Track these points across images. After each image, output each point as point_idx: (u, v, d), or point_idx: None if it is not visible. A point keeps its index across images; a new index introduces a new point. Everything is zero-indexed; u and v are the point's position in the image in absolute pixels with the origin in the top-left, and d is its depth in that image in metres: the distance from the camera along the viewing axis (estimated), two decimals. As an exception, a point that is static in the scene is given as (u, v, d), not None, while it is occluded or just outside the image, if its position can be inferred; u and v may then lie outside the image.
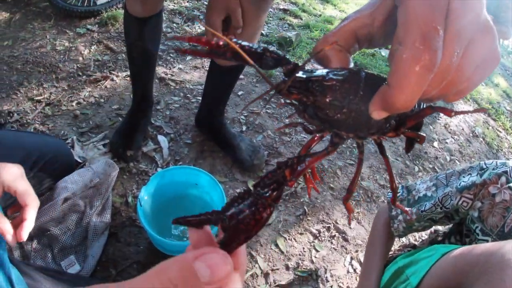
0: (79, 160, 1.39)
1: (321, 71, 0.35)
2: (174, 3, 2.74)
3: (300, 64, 0.37)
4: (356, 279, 1.33)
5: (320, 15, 3.43)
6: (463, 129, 2.71)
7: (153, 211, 1.18)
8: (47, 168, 1.12)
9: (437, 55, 0.27)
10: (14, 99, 1.70)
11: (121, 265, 1.12)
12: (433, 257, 0.95)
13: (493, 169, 0.94)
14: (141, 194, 1.09)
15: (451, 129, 2.60)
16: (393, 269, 1.10)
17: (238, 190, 1.48)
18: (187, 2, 2.79)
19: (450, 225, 1.11)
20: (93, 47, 2.11)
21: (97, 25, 2.29)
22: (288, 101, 0.38)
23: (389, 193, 1.16)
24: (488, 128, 3.08)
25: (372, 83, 0.33)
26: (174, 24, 2.51)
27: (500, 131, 3.15)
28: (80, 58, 2.00)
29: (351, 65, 0.37)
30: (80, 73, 1.90)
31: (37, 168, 1.07)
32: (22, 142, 1.07)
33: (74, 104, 1.70)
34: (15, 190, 0.76)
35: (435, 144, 2.28)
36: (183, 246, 1.07)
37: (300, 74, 0.36)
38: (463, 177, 0.99)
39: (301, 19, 3.26)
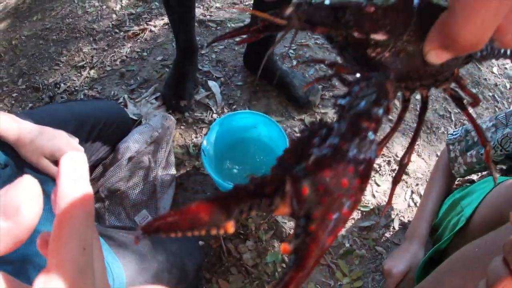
0: (134, 118, 1.38)
1: None
2: None
3: None
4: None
5: None
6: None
7: (216, 158, 1.16)
8: (105, 133, 1.12)
9: None
10: (57, 70, 1.71)
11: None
12: (486, 188, 0.92)
13: None
14: (204, 144, 1.07)
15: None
16: (449, 202, 1.08)
17: (295, 129, 1.42)
18: None
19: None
20: (124, 1, 2.04)
21: None
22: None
23: (449, 135, 1.08)
24: None
25: (430, 12, 0.24)
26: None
27: None
28: (114, 15, 1.95)
29: None
30: (117, 30, 1.86)
31: (95, 133, 1.07)
32: (74, 112, 1.07)
33: (118, 62, 1.68)
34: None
35: (494, 69, 2.05)
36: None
37: None
38: None
39: None
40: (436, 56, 0.24)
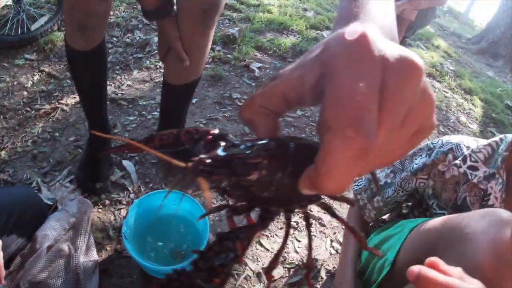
0: (49, 203, 1.38)
1: (244, 145, 0.33)
2: (110, 16, 2.68)
3: (216, 132, 0.37)
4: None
5: (259, 5, 3.46)
6: None
7: (138, 238, 1.21)
8: (21, 222, 1.12)
9: (370, 140, 0.24)
10: None
11: (120, 300, 1.15)
12: (402, 233, 1.05)
13: (440, 147, 1.04)
14: (124, 228, 1.12)
15: None
16: (370, 245, 1.20)
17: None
18: (123, 11, 2.74)
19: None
20: (35, 78, 2.05)
21: (35, 53, 2.22)
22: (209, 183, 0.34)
23: (355, 187, 1.25)
24: (435, 91, 3.26)
25: (303, 155, 0.31)
26: (114, 38, 2.46)
27: (446, 92, 3.35)
28: (25, 92, 1.94)
29: (279, 131, 0.34)
30: (28, 108, 1.84)
31: (10, 224, 1.07)
32: (4, 201, 1.07)
33: (29, 143, 1.66)
34: None
35: None
36: (169, 270, 1.12)
37: (220, 150, 0.33)
38: (415, 159, 1.09)
39: (241, 12, 3.28)
40: (307, 192, 0.29)
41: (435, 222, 0.91)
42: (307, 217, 0.42)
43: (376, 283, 1.08)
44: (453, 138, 1.05)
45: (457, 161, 1.00)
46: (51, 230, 1.20)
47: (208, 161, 0.32)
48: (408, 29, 3.51)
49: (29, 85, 1.99)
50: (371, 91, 0.25)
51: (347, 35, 0.27)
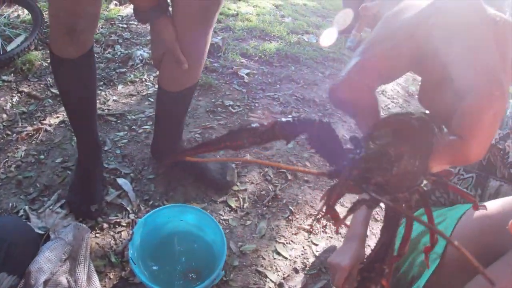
0: (41, 232, 1.23)
1: (367, 142, 0.30)
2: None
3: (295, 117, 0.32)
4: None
5: (237, 14, 3.40)
6: (398, 91, 2.83)
7: (146, 262, 1.08)
8: (11, 256, 0.98)
9: (506, 98, 0.25)
10: None
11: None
12: (446, 223, 0.98)
13: None
14: (130, 251, 0.99)
15: (389, 95, 2.70)
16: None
17: (220, 212, 1.41)
18: (101, 27, 2.61)
19: None
20: (14, 99, 1.91)
21: (12, 74, 2.08)
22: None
23: None
24: (418, 84, 3.28)
25: (420, 136, 0.29)
26: (95, 55, 2.33)
27: None
28: (4, 115, 1.79)
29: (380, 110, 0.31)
30: (9, 132, 1.70)
31: (13, 259, 0.95)
32: None
33: (12, 168, 1.51)
34: None
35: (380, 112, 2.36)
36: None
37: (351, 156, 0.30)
38: None
39: (220, 22, 3.20)
40: (440, 169, 0.28)
41: (494, 205, 0.84)
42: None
43: (422, 280, 0.99)
44: None
45: None
46: (46, 263, 1.06)
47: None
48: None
49: (8, 107, 1.85)
50: (503, 59, 0.26)
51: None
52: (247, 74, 2.35)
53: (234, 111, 1.95)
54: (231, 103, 2.03)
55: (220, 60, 2.45)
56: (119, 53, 2.39)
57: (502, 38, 0.27)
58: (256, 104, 2.05)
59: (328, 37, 3.29)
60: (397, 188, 0.30)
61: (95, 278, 1.09)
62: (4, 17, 2.45)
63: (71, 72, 1.17)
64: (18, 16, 2.63)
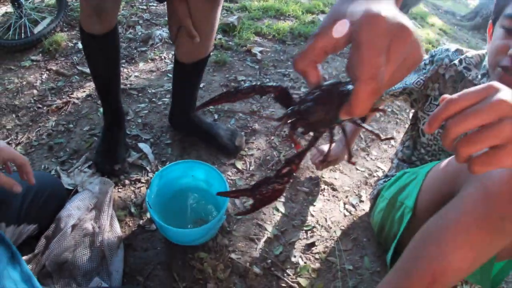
0: (69, 188, 1.38)
1: (306, 99, 0.48)
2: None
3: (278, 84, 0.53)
4: (353, 219, 1.44)
5: (253, -6, 3.46)
6: None
7: (160, 210, 1.21)
8: (35, 205, 1.12)
9: (381, 83, 0.38)
10: None
11: (146, 271, 1.15)
12: (418, 179, 1.07)
13: (439, 54, 1.18)
14: (147, 198, 1.12)
15: None
16: (383, 204, 1.21)
17: (228, 173, 1.53)
18: (123, 9, 2.74)
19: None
20: (43, 76, 2.05)
21: (40, 54, 2.22)
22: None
23: None
24: None
25: (339, 95, 0.46)
26: (117, 35, 2.46)
27: None
28: (35, 91, 1.94)
29: (321, 77, 0.47)
30: (40, 105, 1.84)
31: (27, 203, 1.08)
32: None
33: (44, 136, 1.66)
34: (11, 156, 0.93)
35: None
36: (195, 234, 1.12)
37: (292, 108, 0.49)
38: (424, 65, 1.23)
39: (236, 2, 3.27)
40: (345, 117, 0.44)
41: (451, 158, 0.92)
42: (343, 128, 0.57)
43: (398, 234, 1.08)
44: (451, 46, 1.20)
45: (456, 61, 1.14)
46: (75, 210, 1.21)
47: (292, 119, 0.49)
48: (401, 8, 3.51)
49: (38, 84, 1.99)
50: (382, 56, 0.37)
51: (369, 15, 0.38)
52: (260, 51, 2.43)
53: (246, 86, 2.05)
54: (244, 78, 2.13)
55: (235, 39, 2.55)
56: (139, 33, 2.51)
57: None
58: (267, 80, 2.15)
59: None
60: (317, 127, 0.50)
61: (116, 225, 1.24)
62: (30, 2, 2.56)
63: (98, 47, 1.30)
64: (43, 0, 2.77)
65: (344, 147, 1.47)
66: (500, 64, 0.97)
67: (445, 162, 0.96)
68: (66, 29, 2.48)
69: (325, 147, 1.54)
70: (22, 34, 2.31)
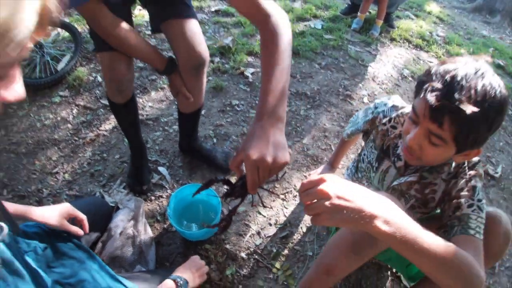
0: (112, 205, 2.17)
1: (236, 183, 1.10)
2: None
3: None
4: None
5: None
6: (391, 75, 3.43)
7: (177, 218, 1.99)
8: (95, 220, 1.90)
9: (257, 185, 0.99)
10: (35, 178, 2.28)
11: (171, 258, 1.93)
12: None
13: (376, 108, 1.61)
14: (168, 211, 1.90)
15: (379, 80, 3.33)
16: None
17: (224, 186, 2.29)
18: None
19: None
20: (74, 111, 2.72)
21: (67, 90, 2.87)
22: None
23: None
24: (419, 63, 3.75)
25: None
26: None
27: (431, 61, 3.85)
28: (69, 125, 2.62)
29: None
30: (76, 138, 2.54)
31: (90, 221, 1.86)
32: (83, 209, 1.86)
33: (85, 165, 2.42)
34: (74, 214, 1.53)
35: (365, 99, 3.09)
36: (202, 233, 1.90)
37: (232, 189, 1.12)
38: (368, 112, 1.69)
39: (233, 16, 3.94)
40: (252, 190, 1.05)
41: None
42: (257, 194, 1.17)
43: (331, 233, 1.83)
44: (389, 102, 1.58)
45: (384, 121, 1.55)
46: (120, 221, 1.99)
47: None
48: (390, 5, 4.12)
49: (70, 118, 2.68)
50: (260, 179, 0.98)
51: (246, 155, 0.96)
52: (252, 73, 3.15)
53: (239, 109, 2.81)
54: (237, 102, 2.87)
55: (230, 62, 3.28)
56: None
57: None
58: (257, 101, 2.89)
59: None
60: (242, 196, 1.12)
61: (149, 229, 2.02)
62: (49, 40, 3.14)
63: (122, 111, 2.04)
64: (58, 34, 3.36)
65: (330, 170, 2.24)
66: (403, 143, 1.34)
67: None
68: (84, 63, 3.17)
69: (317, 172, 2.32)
70: (48, 71, 2.92)
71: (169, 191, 2.25)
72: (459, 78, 1.09)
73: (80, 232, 1.51)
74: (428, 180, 1.43)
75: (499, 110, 1.10)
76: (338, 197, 0.85)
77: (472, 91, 1.06)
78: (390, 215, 0.87)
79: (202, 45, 1.82)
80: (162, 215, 2.12)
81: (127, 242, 1.95)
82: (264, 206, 2.21)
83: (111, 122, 2.72)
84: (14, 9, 0.44)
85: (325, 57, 3.54)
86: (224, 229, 1.20)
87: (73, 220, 1.55)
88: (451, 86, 1.09)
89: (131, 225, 2.00)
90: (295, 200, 2.28)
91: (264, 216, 2.17)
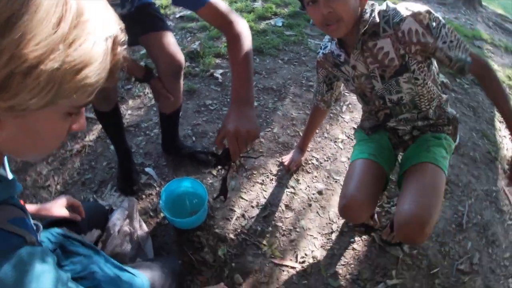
0: (107, 207, 2.33)
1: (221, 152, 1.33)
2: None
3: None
4: (293, 197, 2.40)
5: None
6: None
7: (168, 209, 2.17)
8: (93, 221, 2.07)
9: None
10: (28, 194, 2.38)
11: (167, 248, 2.11)
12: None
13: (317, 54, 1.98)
14: (161, 204, 2.08)
15: None
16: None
17: (207, 178, 2.48)
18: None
19: None
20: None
21: None
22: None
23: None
24: None
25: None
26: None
27: None
28: (56, 140, 2.84)
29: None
30: (62, 151, 2.66)
31: (90, 224, 2.03)
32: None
33: (75, 175, 2.57)
34: (70, 201, 1.72)
35: None
36: (191, 221, 2.08)
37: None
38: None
39: (198, 20, 4.11)
40: (234, 160, 1.36)
41: None
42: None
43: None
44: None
45: (325, 51, 1.90)
46: (117, 220, 2.15)
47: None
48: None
49: None
50: (240, 148, 1.23)
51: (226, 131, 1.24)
52: (221, 74, 3.35)
53: (212, 108, 3.00)
54: (210, 102, 3.07)
55: (200, 65, 3.46)
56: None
57: None
58: (228, 99, 3.09)
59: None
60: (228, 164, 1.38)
61: (143, 225, 2.19)
62: None
63: (108, 119, 2.22)
64: None
65: (300, 153, 2.53)
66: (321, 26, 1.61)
67: None
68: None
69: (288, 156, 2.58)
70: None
71: (157, 188, 2.42)
72: None
73: (77, 217, 1.70)
74: (370, 46, 1.65)
75: None
76: None
77: None
78: None
79: (179, 53, 2.05)
80: (154, 210, 2.29)
81: (125, 239, 2.12)
82: (246, 170, 2.48)
83: (95, 133, 2.86)
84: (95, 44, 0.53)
85: (287, 53, 3.75)
86: (225, 195, 1.52)
87: (71, 209, 1.76)
88: None
89: (127, 223, 2.17)
90: (272, 183, 2.48)
91: (246, 200, 2.37)
